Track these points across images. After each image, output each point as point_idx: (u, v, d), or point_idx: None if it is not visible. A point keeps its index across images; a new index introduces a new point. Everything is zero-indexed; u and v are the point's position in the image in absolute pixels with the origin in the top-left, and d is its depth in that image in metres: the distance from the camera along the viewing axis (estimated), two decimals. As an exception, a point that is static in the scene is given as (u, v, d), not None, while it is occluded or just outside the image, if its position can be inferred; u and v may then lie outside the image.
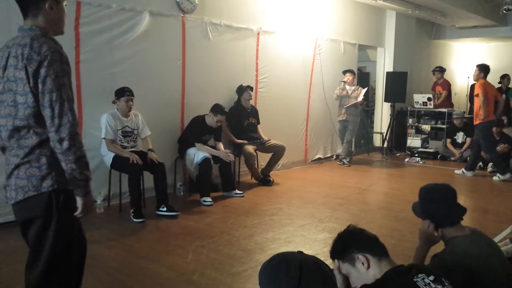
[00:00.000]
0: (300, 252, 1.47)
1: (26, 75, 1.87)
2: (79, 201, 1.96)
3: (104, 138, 4.62)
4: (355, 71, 8.79)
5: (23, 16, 2.01)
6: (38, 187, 1.93)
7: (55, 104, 1.87)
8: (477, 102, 6.84)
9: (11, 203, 2.00)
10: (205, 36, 5.90)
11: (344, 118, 7.74)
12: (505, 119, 8.46)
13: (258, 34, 6.64)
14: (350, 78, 7.70)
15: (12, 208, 2.04)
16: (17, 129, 1.93)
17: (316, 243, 3.95)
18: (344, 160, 7.91)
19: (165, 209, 4.66)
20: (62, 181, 1.94)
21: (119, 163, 4.60)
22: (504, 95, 9.65)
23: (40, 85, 1.87)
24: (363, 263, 1.82)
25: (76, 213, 1.98)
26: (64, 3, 2.06)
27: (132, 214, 4.49)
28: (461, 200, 2.33)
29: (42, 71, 1.86)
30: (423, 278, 1.69)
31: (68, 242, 2.03)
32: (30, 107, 1.90)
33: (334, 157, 8.41)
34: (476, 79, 6.92)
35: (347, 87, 7.69)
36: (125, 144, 4.77)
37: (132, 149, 4.80)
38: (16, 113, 1.92)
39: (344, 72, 7.78)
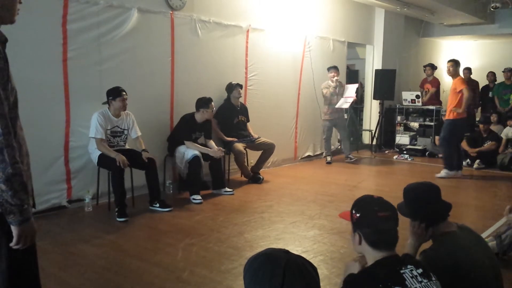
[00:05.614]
0: (286, 252, 1.46)
1: None
2: (14, 231, 1.59)
3: (93, 138, 4.57)
4: (344, 68, 8.85)
5: None
6: None
7: None
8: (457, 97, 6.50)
9: None
10: (194, 33, 5.87)
11: (331, 118, 7.72)
12: (494, 117, 8.53)
13: (248, 31, 6.62)
14: (331, 74, 7.60)
15: None
16: None
17: (306, 240, 3.95)
18: (350, 156, 7.97)
19: (158, 205, 4.76)
20: None
21: (104, 160, 4.57)
22: (490, 93, 9.77)
23: None
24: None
25: (11, 244, 1.61)
26: None
27: (116, 214, 4.45)
28: (447, 197, 2.34)
29: None
30: (412, 270, 1.70)
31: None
32: None
33: (324, 154, 8.43)
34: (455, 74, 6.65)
35: (332, 83, 7.65)
36: (114, 143, 4.74)
37: (121, 148, 4.76)
38: None
39: (328, 69, 7.70)
